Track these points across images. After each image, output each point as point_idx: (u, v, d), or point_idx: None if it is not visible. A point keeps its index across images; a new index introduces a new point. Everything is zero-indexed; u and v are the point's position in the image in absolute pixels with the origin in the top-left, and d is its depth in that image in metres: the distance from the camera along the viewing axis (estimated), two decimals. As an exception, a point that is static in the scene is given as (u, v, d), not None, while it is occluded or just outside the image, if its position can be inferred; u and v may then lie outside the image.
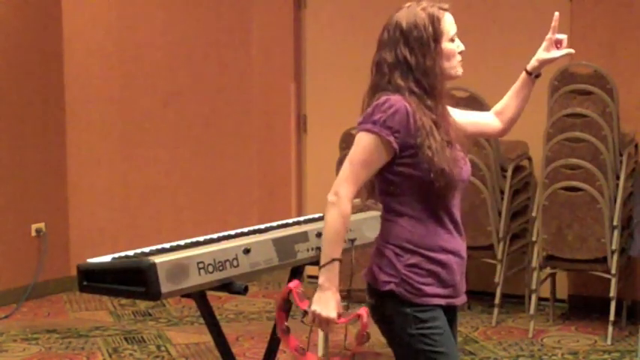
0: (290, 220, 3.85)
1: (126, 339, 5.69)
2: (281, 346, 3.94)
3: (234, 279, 3.23)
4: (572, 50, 3.11)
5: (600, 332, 5.64)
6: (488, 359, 5.25)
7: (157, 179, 7.02)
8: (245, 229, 3.63)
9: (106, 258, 3.19)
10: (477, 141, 5.77)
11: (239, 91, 7.08)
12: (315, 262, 3.51)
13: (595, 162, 5.52)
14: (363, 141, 2.76)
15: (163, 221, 7.00)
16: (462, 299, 2.92)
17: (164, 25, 6.98)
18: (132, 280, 3.04)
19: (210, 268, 3.15)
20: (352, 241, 3.56)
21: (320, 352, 4.67)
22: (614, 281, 5.51)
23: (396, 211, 2.83)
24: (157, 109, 6.99)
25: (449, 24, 2.84)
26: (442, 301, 2.83)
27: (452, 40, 2.84)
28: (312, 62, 7.02)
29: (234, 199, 7.11)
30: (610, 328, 5.50)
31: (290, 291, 2.86)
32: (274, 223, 3.76)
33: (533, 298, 5.69)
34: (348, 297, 3.05)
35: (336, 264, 2.75)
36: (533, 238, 5.74)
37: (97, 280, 3.13)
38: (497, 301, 5.89)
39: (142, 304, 6.41)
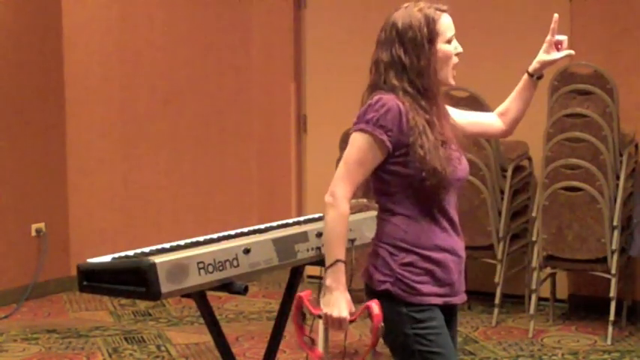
0: (290, 220, 3.85)
1: (126, 339, 5.69)
2: (281, 346, 3.95)
3: (234, 279, 3.23)
4: (572, 52, 3.11)
5: (600, 332, 5.64)
6: (488, 359, 5.25)
7: (157, 179, 7.02)
8: (245, 229, 3.62)
9: (106, 258, 3.18)
10: (476, 141, 5.77)
11: (239, 91, 7.07)
12: (315, 262, 3.53)
13: (595, 162, 5.52)
14: (357, 141, 2.78)
15: (163, 221, 7.00)
16: (460, 298, 2.91)
17: (164, 25, 6.98)
18: (132, 280, 3.04)
19: (210, 268, 3.15)
20: (352, 241, 3.56)
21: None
22: (614, 281, 5.51)
23: (391, 211, 2.84)
24: (157, 109, 6.99)
25: (445, 25, 2.84)
26: (439, 300, 2.83)
27: (449, 42, 2.84)
28: (312, 62, 7.02)
29: (234, 199, 7.11)
30: (610, 328, 5.50)
31: (302, 300, 2.86)
32: (274, 223, 3.76)
33: (533, 298, 5.69)
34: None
35: (341, 265, 2.75)
36: (533, 238, 5.74)
37: (97, 280, 3.13)
38: (497, 301, 5.89)
39: (142, 304, 6.41)
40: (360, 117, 2.79)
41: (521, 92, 3.16)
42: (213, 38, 7.04)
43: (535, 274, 5.71)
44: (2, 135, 6.45)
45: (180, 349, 5.49)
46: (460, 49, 2.87)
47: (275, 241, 3.44)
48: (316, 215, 3.88)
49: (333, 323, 2.76)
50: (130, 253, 3.23)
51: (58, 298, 6.67)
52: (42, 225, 6.70)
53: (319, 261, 3.37)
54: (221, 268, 3.19)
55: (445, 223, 2.85)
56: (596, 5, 6.06)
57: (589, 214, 5.49)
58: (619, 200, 5.56)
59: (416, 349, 2.79)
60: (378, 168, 2.80)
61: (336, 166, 2.83)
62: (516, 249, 6.08)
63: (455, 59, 2.86)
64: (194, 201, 7.06)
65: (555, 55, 3.10)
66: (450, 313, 2.91)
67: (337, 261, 2.75)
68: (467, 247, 2.97)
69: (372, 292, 2.83)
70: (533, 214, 5.77)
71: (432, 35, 2.80)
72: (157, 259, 3.03)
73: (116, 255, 3.22)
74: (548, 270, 5.83)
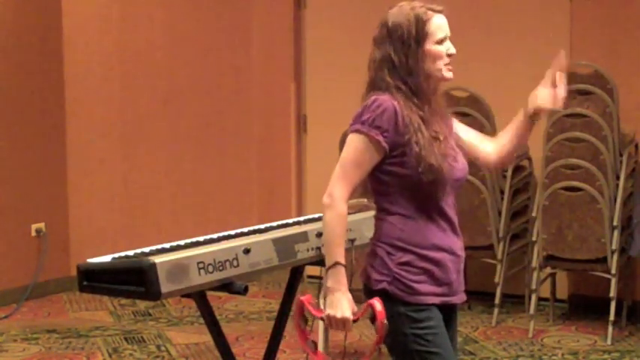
0: (290, 220, 3.85)
1: (126, 339, 5.69)
2: (281, 346, 3.95)
3: (234, 279, 3.23)
4: (560, 109, 2.97)
5: (600, 332, 5.64)
6: (488, 359, 5.25)
7: (157, 179, 7.02)
8: (245, 229, 3.62)
9: (106, 258, 3.18)
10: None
11: (239, 91, 7.07)
12: (316, 262, 3.52)
13: (595, 162, 5.52)
14: (354, 142, 2.79)
15: (163, 221, 7.00)
16: (459, 298, 2.91)
17: (164, 25, 6.98)
18: (132, 280, 3.04)
19: (210, 268, 3.15)
20: (352, 241, 3.56)
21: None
22: (614, 281, 5.51)
23: (388, 210, 2.84)
24: (157, 109, 6.99)
25: (436, 26, 2.82)
26: (436, 300, 2.83)
27: (440, 43, 2.82)
28: (312, 62, 7.02)
29: (234, 199, 7.11)
30: (610, 328, 5.50)
31: (303, 304, 2.86)
32: (274, 223, 3.76)
33: (533, 298, 5.69)
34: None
35: (340, 266, 2.76)
36: (533, 238, 5.74)
37: (97, 280, 3.13)
38: (497, 301, 5.89)
39: (142, 304, 6.41)
40: (356, 118, 2.80)
41: (517, 132, 3.01)
42: (213, 38, 7.04)
43: (535, 274, 5.71)
44: (2, 135, 6.45)
45: (180, 349, 5.49)
46: (453, 51, 2.84)
47: (275, 241, 3.44)
48: (316, 215, 3.88)
49: (337, 324, 2.76)
50: (130, 253, 3.23)
51: (58, 298, 6.67)
52: (42, 225, 6.70)
53: (319, 261, 3.37)
54: (221, 268, 3.19)
55: (443, 223, 2.84)
56: (596, 5, 6.06)
57: (589, 214, 5.49)
58: (619, 200, 5.56)
59: (414, 348, 2.79)
60: (376, 168, 2.81)
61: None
62: (516, 249, 6.08)
63: (445, 60, 2.82)
64: (194, 201, 7.06)
65: (546, 104, 2.92)
66: (449, 312, 2.90)
67: (337, 263, 2.75)
68: (467, 247, 2.97)
69: (370, 292, 2.83)
70: (533, 214, 5.77)
71: (419, 36, 2.80)
72: (157, 259, 3.03)
73: (116, 255, 3.21)
74: (548, 270, 5.83)
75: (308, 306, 2.85)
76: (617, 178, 5.65)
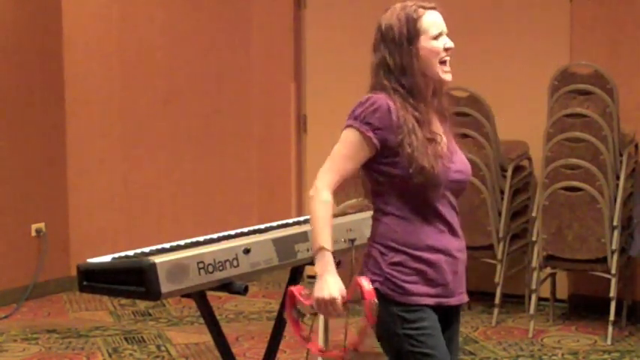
0: (290, 220, 3.85)
1: (126, 339, 5.69)
2: (281, 346, 3.95)
3: (234, 279, 3.23)
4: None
5: (600, 332, 5.64)
6: (488, 359, 5.25)
7: (157, 179, 7.02)
8: (245, 229, 3.63)
9: (106, 258, 3.19)
10: (476, 141, 5.78)
11: (239, 91, 7.07)
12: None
13: (595, 162, 5.52)
14: (344, 136, 2.82)
15: (163, 221, 7.00)
16: (458, 299, 2.90)
17: (164, 25, 6.98)
18: (132, 280, 3.04)
19: (210, 268, 3.15)
20: (352, 241, 3.56)
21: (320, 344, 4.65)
22: (614, 281, 5.51)
23: (383, 211, 2.84)
24: (157, 109, 6.99)
25: (429, 23, 2.82)
26: (430, 301, 2.81)
27: (435, 38, 2.82)
28: (312, 62, 7.01)
29: (234, 199, 7.11)
30: (610, 328, 5.50)
31: (294, 295, 2.85)
32: (274, 223, 3.77)
33: (533, 298, 5.69)
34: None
35: (326, 251, 2.73)
36: (533, 238, 5.74)
37: (97, 280, 3.13)
38: (497, 301, 5.89)
39: (142, 304, 6.41)
40: (350, 114, 2.82)
41: None
42: (213, 38, 7.04)
43: (535, 274, 5.71)
44: (2, 135, 6.45)
45: (180, 349, 5.49)
46: (450, 45, 2.84)
47: (275, 241, 3.44)
48: (316, 215, 3.87)
49: (326, 306, 2.72)
50: (130, 253, 3.23)
51: (58, 298, 6.67)
52: (42, 225, 6.70)
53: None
54: (221, 268, 3.19)
55: (439, 224, 2.83)
56: (596, 5, 6.06)
57: (589, 214, 5.49)
58: (619, 200, 5.56)
59: (407, 349, 2.78)
60: (371, 168, 2.82)
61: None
62: (516, 249, 6.08)
63: (443, 54, 2.83)
64: (194, 201, 7.06)
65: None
66: (446, 314, 2.89)
67: (322, 248, 2.73)
68: (467, 247, 2.93)
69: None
70: (533, 214, 5.77)
71: (411, 34, 2.80)
72: (157, 259, 3.03)
73: (116, 255, 3.22)
74: (548, 270, 5.83)
75: (298, 296, 2.83)
76: (617, 178, 5.65)
